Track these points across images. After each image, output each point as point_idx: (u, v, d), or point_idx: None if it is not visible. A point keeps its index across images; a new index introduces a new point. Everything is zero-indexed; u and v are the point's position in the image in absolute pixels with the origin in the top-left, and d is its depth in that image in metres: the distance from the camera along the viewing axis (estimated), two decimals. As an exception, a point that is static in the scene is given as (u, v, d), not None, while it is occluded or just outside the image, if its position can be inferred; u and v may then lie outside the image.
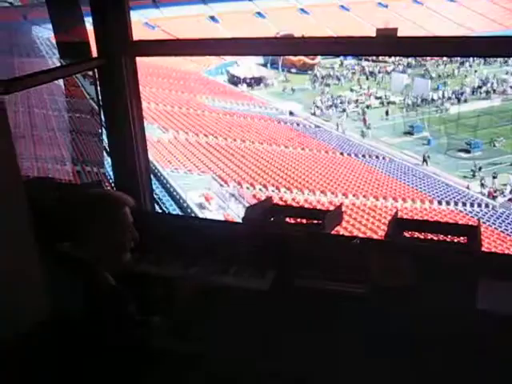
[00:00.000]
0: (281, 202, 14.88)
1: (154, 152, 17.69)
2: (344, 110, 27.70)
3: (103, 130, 3.64)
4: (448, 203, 17.48)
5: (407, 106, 27.82)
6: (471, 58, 31.07)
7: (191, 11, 37.52)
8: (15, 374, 1.78)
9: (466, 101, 27.79)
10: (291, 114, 27.05)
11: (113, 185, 3.57)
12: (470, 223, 9.02)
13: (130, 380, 2.07)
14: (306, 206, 15.37)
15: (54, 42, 3.57)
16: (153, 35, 32.24)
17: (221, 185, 17.49)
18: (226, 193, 17.15)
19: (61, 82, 4.59)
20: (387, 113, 27.12)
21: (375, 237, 12.20)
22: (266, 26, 37.68)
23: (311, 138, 23.62)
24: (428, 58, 30.77)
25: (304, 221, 3.26)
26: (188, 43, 3.36)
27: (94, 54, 3.20)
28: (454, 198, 18.00)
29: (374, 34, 2.62)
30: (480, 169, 20.21)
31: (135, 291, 2.30)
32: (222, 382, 2.21)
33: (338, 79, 33.00)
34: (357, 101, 29.04)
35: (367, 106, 28.07)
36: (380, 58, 30.27)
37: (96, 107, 3.87)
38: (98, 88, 3.32)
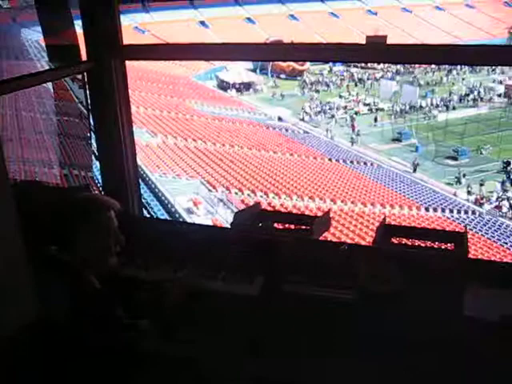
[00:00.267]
0: (269, 208, 14.90)
1: (143, 156, 17.66)
2: (333, 116, 27.83)
3: (92, 133, 3.63)
4: (435, 210, 17.59)
5: (395, 113, 28.02)
6: (459, 66, 31.40)
7: (181, 16, 37.59)
8: (1, 377, 1.76)
9: (454, 108, 28.03)
10: (280, 119, 27.12)
11: (101, 189, 3.56)
12: (457, 230, 9.08)
13: (116, 382, 2.05)
14: (295, 211, 15.40)
15: (43, 44, 3.55)
16: (143, 39, 32.25)
17: (209, 190, 17.47)
18: (215, 198, 17.13)
19: (49, 85, 4.56)
20: (376, 119, 27.30)
21: (363, 243, 12.26)
22: (255, 31, 37.82)
23: (300, 144, 23.69)
24: (416, 65, 31.03)
25: (292, 226, 3.26)
26: (178, 48, 3.36)
27: (84, 57, 3.19)
28: (441, 204, 18.12)
29: (363, 41, 2.63)
30: (464, 175, 20.40)
31: (123, 295, 2.29)
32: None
33: (327, 85, 33.19)
34: (345, 107, 29.22)
35: (356, 113, 28.25)
36: (369, 64, 30.48)
37: (85, 111, 3.84)
38: (87, 92, 3.31)
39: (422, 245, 2.88)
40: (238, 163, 19.89)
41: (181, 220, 14.17)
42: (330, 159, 22.00)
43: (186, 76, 31.67)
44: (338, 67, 34.93)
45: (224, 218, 15.49)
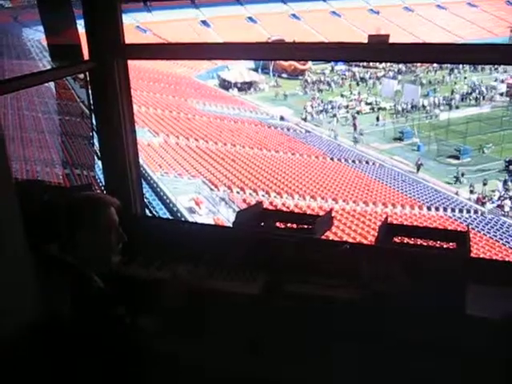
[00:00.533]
0: (271, 207, 14.90)
1: (145, 156, 17.66)
2: (334, 116, 27.81)
3: (94, 133, 3.63)
4: (437, 209, 17.57)
5: (397, 112, 27.98)
6: (461, 65, 31.35)
7: (183, 15, 37.57)
8: (3, 377, 1.76)
9: (456, 107, 27.99)
10: (282, 118, 27.11)
11: (103, 188, 3.56)
12: (459, 229, 9.08)
13: (119, 382, 2.06)
14: (297, 210, 15.39)
15: (45, 44, 3.55)
16: (144, 38, 32.27)
17: (211, 189, 17.46)
18: (216, 197, 17.13)
19: (52, 84, 4.57)
20: (378, 118, 27.25)
21: (365, 242, 12.24)
22: (257, 30, 37.83)
23: (301, 143, 23.67)
24: (418, 64, 30.99)
25: (294, 226, 3.26)
26: (180, 47, 3.35)
27: (86, 56, 3.19)
28: (443, 203, 18.10)
29: (364, 40, 2.63)
30: (463, 175, 20.37)
31: (125, 293, 2.30)
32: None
33: (329, 85, 33.17)
34: (347, 106, 29.19)
35: (358, 112, 28.21)
36: (371, 63, 30.44)
37: (87, 110, 3.84)
38: (90, 91, 3.31)
39: (424, 244, 2.88)
40: (240, 162, 19.89)
41: (183, 219, 14.17)
42: (331, 158, 21.98)
43: (187, 75, 31.70)
44: (340, 66, 34.94)
45: (226, 217, 15.49)
